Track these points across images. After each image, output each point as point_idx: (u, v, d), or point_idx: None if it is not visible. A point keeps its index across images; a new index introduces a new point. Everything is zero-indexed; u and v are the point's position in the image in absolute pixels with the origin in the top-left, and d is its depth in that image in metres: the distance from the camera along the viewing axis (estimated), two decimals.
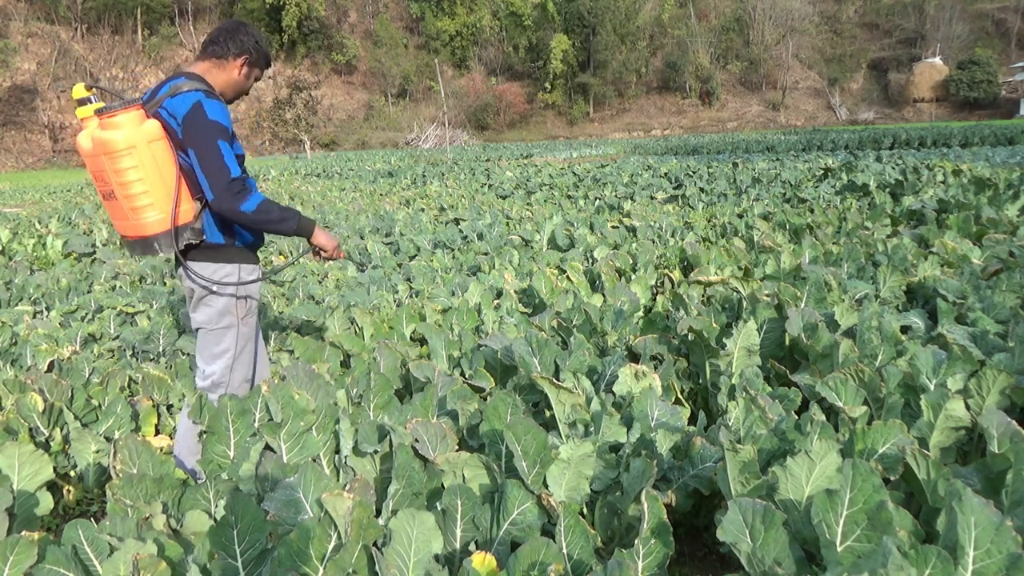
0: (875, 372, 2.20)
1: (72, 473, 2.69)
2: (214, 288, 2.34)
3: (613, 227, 6.99)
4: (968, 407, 1.99)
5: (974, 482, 1.75)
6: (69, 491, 2.64)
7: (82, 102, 2.14)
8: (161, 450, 2.73)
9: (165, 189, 2.17)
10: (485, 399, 2.44)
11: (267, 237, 2.18)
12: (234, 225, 2.35)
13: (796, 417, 2.02)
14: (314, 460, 2.03)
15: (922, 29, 69.31)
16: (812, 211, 6.97)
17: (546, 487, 1.81)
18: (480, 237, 7.24)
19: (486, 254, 6.09)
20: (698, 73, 71.55)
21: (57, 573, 1.52)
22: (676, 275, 4.44)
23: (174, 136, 2.21)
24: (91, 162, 2.17)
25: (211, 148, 2.17)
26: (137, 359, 3.93)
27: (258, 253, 2.53)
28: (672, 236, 6.20)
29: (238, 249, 2.38)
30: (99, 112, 2.10)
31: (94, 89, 2.16)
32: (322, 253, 2.49)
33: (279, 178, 22.73)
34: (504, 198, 11.97)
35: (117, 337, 4.30)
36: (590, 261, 5.27)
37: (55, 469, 2.60)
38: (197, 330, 2.45)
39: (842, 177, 10.16)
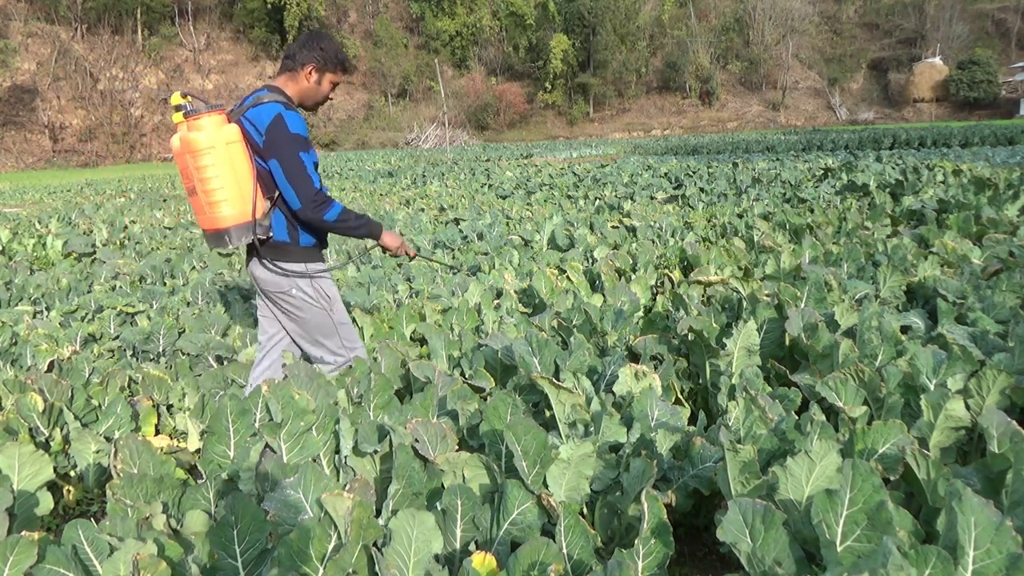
0: (875, 372, 2.20)
1: (72, 473, 2.69)
2: (290, 289, 2.54)
3: (613, 227, 6.99)
4: (968, 407, 1.99)
5: (974, 482, 1.75)
6: (69, 491, 2.64)
7: (177, 108, 2.36)
8: (161, 450, 2.73)
9: (238, 187, 2.38)
10: (485, 399, 2.44)
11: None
12: (298, 227, 2.54)
13: (796, 417, 2.02)
14: (314, 460, 2.03)
15: (922, 29, 69.26)
16: (812, 211, 6.97)
17: (546, 487, 1.81)
18: (480, 237, 7.25)
19: (486, 254, 6.09)
20: (698, 73, 71.51)
21: (57, 573, 1.52)
22: (676, 275, 4.43)
23: (254, 143, 2.42)
24: (179, 160, 2.40)
25: (295, 161, 2.38)
26: (137, 359, 3.93)
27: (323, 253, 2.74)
28: (672, 236, 6.19)
29: (302, 248, 2.57)
30: (186, 115, 2.33)
31: (188, 97, 2.35)
32: (388, 252, 2.80)
33: None
34: (504, 198, 11.97)
35: (117, 337, 4.30)
36: (590, 261, 5.27)
37: (55, 469, 2.60)
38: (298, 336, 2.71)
39: (842, 177, 10.16)
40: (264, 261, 2.51)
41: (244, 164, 2.39)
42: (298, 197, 2.40)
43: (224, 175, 2.33)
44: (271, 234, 2.50)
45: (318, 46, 2.51)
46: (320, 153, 56.17)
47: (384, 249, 2.79)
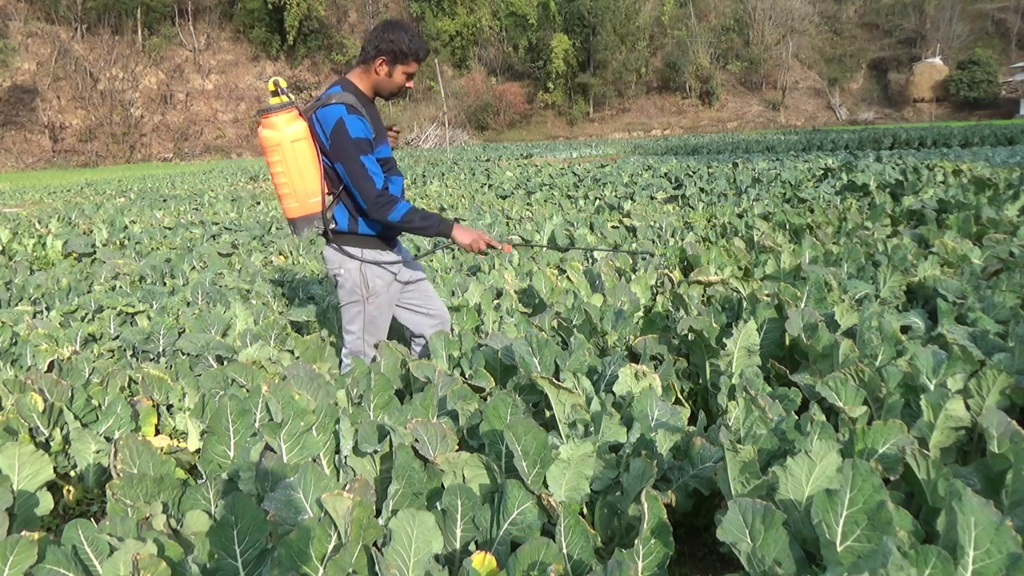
0: (875, 372, 2.19)
1: (72, 473, 2.68)
2: (340, 269, 2.74)
3: (613, 227, 6.99)
4: (968, 407, 1.99)
5: (974, 482, 1.75)
6: (69, 491, 2.64)
7: (274, 94, 2.53)
8: (161, 450, 2.72)
9: (303, 182, 2.55)
10: (485, 399, 2.44)
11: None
12: (359, 218, 2.70)
13: (796, 417, 2.02)
14: (314, 460, 2.03)
15: (922, 29, 69.22)
16: (812, 211, 6.96)
17: (546, 487, 1.81)
18: None
19: (486, 254, 6.08)
20: (698, 73, 71.46)
21: (57, 573, 1.52)
22: (676, 275, 4.43)
23: (321, 144, 2.56)
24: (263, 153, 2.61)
25: (358, 165, 2.52)
26: (137, 359, 3.92)
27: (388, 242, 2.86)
28: (672, 236, 6.19)
29: (361, 236, 2.73)
30: (260, 112, 2.49)
31: (279, 90, 2.50)
32: (466, 248, 2.85)
33: None
34: (504, 198, 11.97)
35: (117, 337, 4.30)
36: (590, 261, 5.27)
37: (55, 469, 2.59)
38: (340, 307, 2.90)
39: (842, 177, 10.16)
40: (332, 245, 2.74)
41: (309, 160, 2.54)
42: (363, 198, 2.56)
43: (289, 171, 2.51)
44: (334, 225, 2.69)
45: (388, 38, 2.51)
46: None
47: (462, 247, 2.85)
